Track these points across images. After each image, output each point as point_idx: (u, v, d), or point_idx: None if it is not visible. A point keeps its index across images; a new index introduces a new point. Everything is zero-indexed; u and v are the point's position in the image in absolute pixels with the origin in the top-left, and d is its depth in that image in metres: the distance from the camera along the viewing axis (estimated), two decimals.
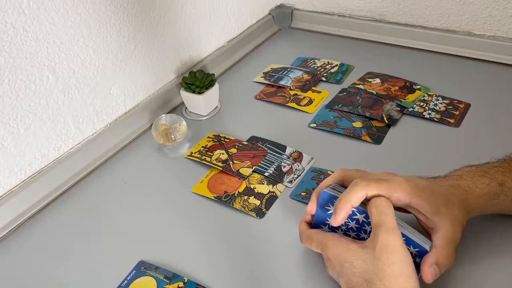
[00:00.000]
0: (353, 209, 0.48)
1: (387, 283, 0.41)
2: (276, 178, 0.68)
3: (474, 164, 0.54)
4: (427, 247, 0.46)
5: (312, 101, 0.84)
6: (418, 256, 0.47)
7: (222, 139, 0.76)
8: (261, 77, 0.93)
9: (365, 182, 0.47)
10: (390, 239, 0.43)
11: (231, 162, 0.70)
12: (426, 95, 0.81)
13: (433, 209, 0.47)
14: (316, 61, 0.97)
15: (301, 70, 0.93)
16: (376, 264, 0.42)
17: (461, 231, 0.48)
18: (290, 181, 0.67)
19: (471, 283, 0.51)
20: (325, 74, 0.91)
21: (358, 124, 0.76)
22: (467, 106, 0.78)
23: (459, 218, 0.48)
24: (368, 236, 0.47)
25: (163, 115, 0.77)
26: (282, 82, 0.89)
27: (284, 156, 0.72)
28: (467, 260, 0.52)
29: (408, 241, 0.46)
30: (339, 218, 0.46)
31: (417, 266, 0.46)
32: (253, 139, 0.76)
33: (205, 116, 0.83)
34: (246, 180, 0.68)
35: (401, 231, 0.45)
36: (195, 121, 0.83)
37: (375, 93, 0.83)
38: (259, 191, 0.66)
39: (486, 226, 0.56)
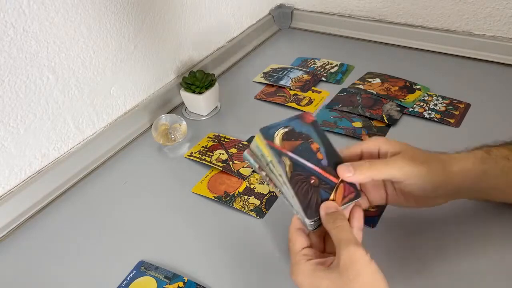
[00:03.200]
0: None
1: None
2: None
3: None
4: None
5: (312, 101, 0.84)
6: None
7: (222, 139, 0.76)
8: (261, 77, 0.93)
9: (368, 163, 0.47)
10: (350, 252, 0.41)
11: (231, 162, 0.70)
12: (426, 95, 0.81)
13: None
14: (316, 61, 0.97)
15: (301, 70, 0.93)
16: (343, 281, 0.41)
17: (427, 186, 0.48)
18: None
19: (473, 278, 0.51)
20: (325, 74, 0.91)
21: (358, 124, 0.76)
22: (467, 106, 0.78)
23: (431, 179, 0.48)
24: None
25: (163, 115, 0.77)
26: (282, 82, 0.89)
27: None
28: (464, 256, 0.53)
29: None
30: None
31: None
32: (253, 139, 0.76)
33: (205, 116, 0.83)
34: (246, 180, 0.68)
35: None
36: (195, 121, 0.83)
37: (375, 93, 0.83)
38: (259, 191, 0.66)
39: (484, 222, 0.56)
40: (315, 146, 0.47)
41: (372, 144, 0.49)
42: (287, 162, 0.45)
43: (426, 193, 0.48)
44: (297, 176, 0.45)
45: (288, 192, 0.45)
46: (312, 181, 0.45)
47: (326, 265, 0.43)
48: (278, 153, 0.45)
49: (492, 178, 0.50)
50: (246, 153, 0.47)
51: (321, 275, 0.42)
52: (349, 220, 0.46)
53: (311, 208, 0.45)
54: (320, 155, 0.47)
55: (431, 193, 0.49)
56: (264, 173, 0.47)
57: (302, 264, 0.43)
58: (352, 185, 0.47)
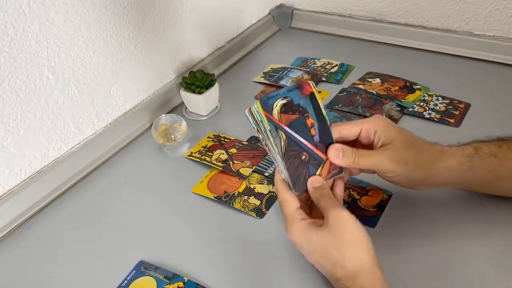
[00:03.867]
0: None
1: (343, 253, 0.44)
2: None
3: None
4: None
5: None
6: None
7: (222, 139, 0.76)
8: (261, 77, 0.93)
9: (352, 154, 0.50)
10: (337, 214, 0.46)
11: (231, 162, 0.70)
12: (426, 95, 0.81)
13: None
14: (316, 61, 0.97)
15: (301, 70, 0.93)
16: (332, 236, 0.45)
17: (410, 181, 0.52)
18: None
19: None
20: (325, 74, 0.91)
21: None
22: (467, 106, 0.78)
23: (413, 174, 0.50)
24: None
25: (163, 115, 0.77)
26: (282, 82, 0.89)
27: None
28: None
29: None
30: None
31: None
32: (253, 139, 0.76)
33: (205, 116, 0.83)
34: (246, 180, 0.68)
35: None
36: (195, 121, 0.83)
37: (375, 93, 0.83)
38: (259, 191, 0.66)
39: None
40: (310, 121, 0.50)
41: (372, 126, 0.51)
42: (283, 136, 0.48)
43: (404, 185, 0.53)
44: (290, 152, 0.48)
45: (280, 162, 0.49)
46: (303, 157, 0.49)
47: (317, 225, 0.48)
48: (275, 127, 0.48)
49: (478, 175, 0.52)
50: (247, 112, 0.50)
51: (312, 233, 0.47)
52: (332, 189, 0.51)
53: (299, 182, 0.49)
54: (314, 131, 0.50)
55: (409, 186, 0.53)
56: (261, 136, 0.50)
57: (297, 222, 0.48)
58: None
